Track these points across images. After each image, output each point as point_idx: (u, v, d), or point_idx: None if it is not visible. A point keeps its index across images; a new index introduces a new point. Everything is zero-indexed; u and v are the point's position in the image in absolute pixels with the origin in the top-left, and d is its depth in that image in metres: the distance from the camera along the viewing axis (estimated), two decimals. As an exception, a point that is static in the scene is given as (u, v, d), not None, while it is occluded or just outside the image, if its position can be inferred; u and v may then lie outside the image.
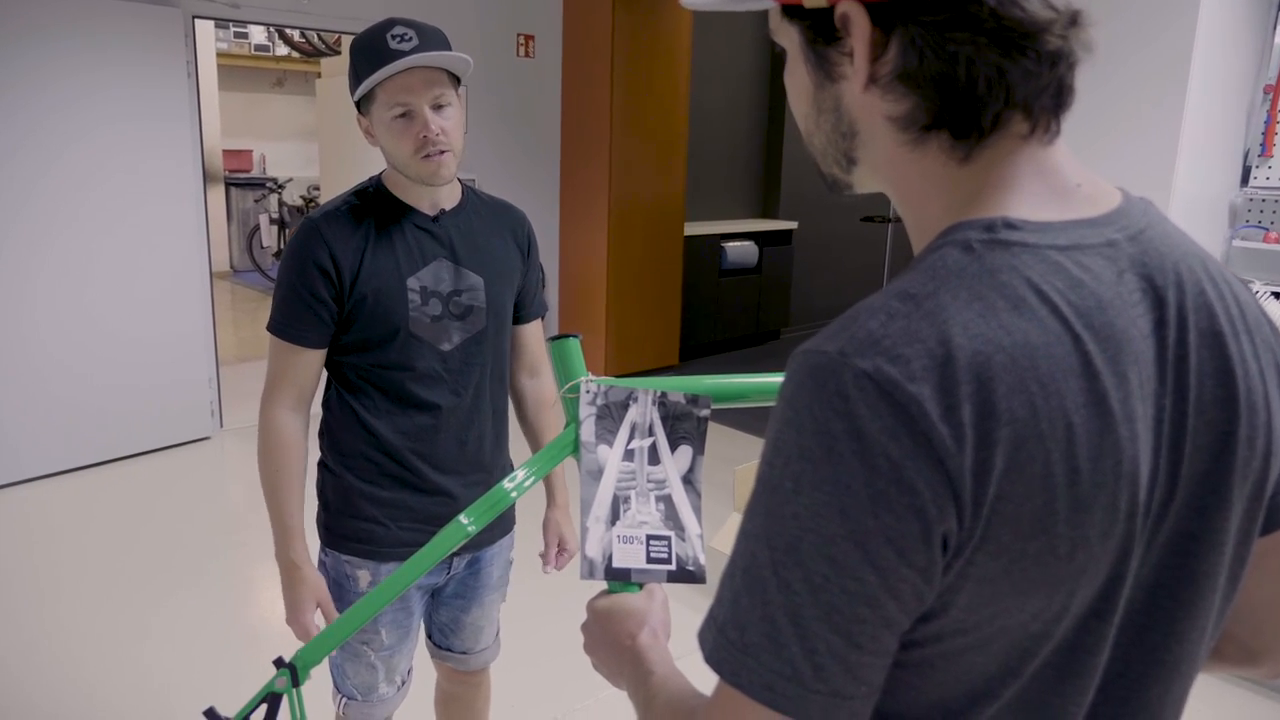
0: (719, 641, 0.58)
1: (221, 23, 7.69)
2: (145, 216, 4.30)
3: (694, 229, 6.40)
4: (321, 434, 1.69)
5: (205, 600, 3.15)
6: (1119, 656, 0.64)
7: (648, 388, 0.98)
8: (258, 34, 9.39)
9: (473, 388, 1.65)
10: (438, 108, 1.51)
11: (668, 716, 0.71)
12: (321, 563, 1.68)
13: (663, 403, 0.97)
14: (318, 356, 1.59)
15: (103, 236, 4.18)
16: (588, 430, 0.97)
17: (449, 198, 1.64)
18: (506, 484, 1.05)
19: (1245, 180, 3.15)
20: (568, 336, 1.03)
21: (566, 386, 1.00)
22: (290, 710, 1.17)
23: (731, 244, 6.65)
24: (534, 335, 1.83)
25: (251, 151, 9.90)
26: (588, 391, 0.98)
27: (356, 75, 1.52)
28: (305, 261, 1.53)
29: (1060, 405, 0.54)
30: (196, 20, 4.43)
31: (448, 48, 1.52)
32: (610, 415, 0.97)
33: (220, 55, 8.97)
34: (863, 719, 0.57)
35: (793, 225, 7.18)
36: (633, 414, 0.97)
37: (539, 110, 5.82)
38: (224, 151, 9.23)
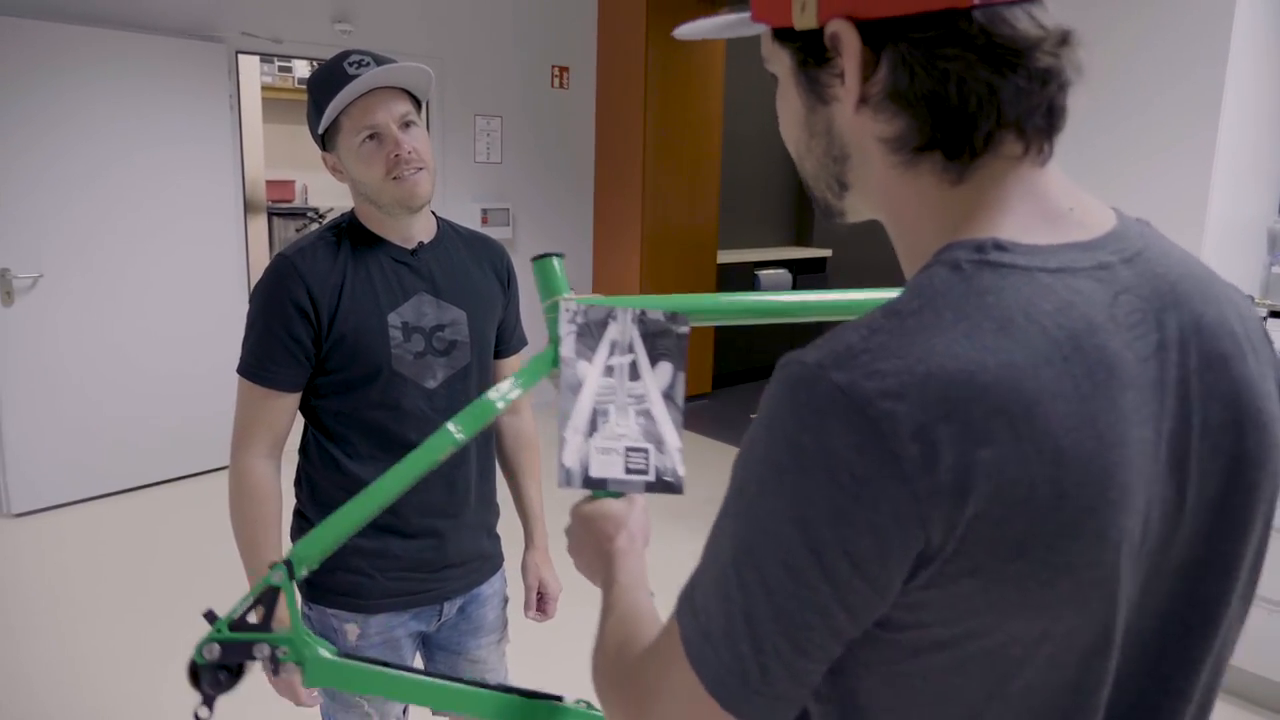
0: (690, 613, 0.60)
1: (266, 58, 7.89)
2: (188, 245, 4.41)
3: (727, 257, 6.42)
4: (298, 482, 1.60)
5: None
6: (1132, 689, 0.62)
7: (626, 305, 0.99)
8: (301, 68, 9.62)
9: None
10: (405, 126, 1.46)
11: (618, 632, 0.72)
12: (305, 617, 1.59)
13: (642, 320, 0.98)
14: (293, 401, 1.50)
15: (150, 268, 4.30)
16: (568, 347, 0.97)
17: (425, 230, 1.57)
18: (491, 394, 1.06)
19: (1283, 207, 3.11)
20: (549, 255, 1.04)
21: (547, 304, 1.00)
22: (289, 605, 1.15)
23: (765, 272, 6.65)
24: (514, 370, 1.72)
25: (294, 182, 10.10)
26: (567, 310, 0.98)
27: (317, 108, 1.46)
28: (281, 300, 1.45)
29: (1046, 428, 0.53)
30: (240, 55, 4.56)
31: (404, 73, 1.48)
32: (590, 333, 0.98)
33: (265, 89, 9.18)
34: (793, 716, 0.59)
35: (827, 253, 7.18)
36: (612, 331, 0.98)
37: (573, 140, 5.89)
38: (267, 182, 9.42)
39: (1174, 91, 2.80)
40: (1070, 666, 0.58)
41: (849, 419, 0.52)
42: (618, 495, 0.93)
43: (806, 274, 6.96)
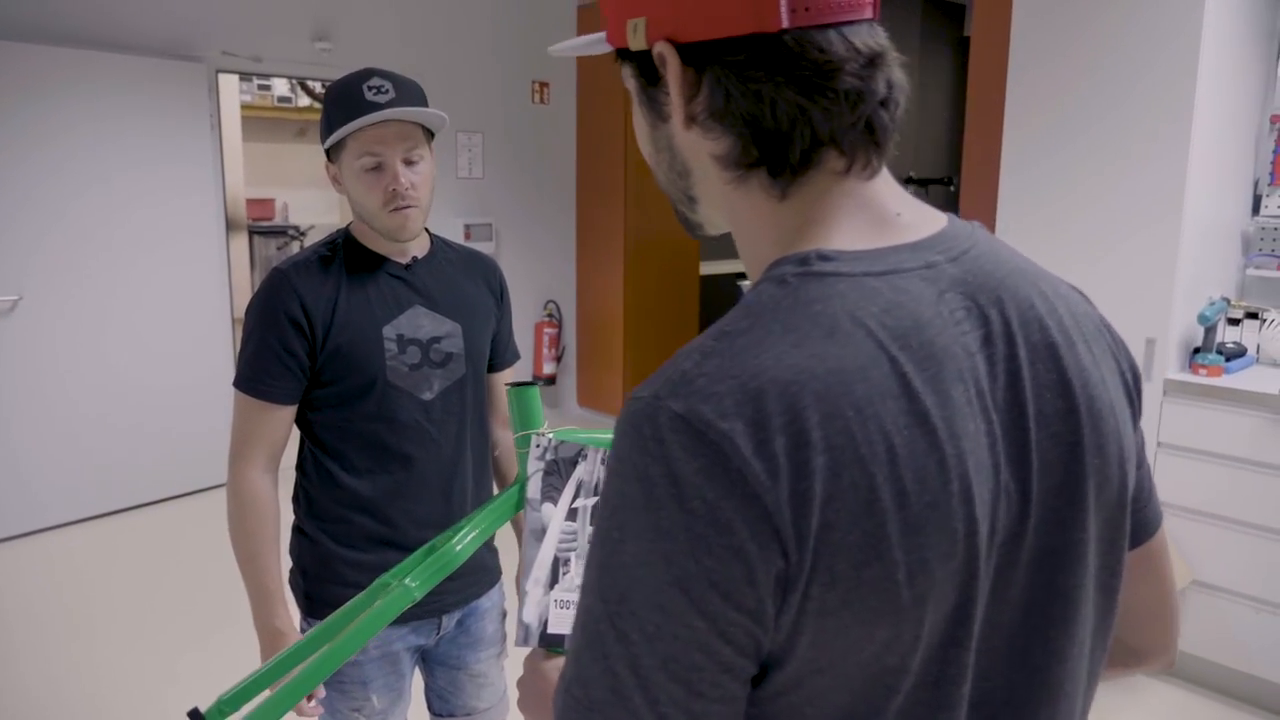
0: (566, 701, 0.56)
1: (245, 76, 7.89)
2: (170, 264, 4.39)
3: (709, 268, 6.44)
4: (296, 498, 1.62)
5: (231, 645, 3.16)
6: (1002, 684, 0.62)
7: (599, 446, 0.94)
8: (280, 86, 9.60)
9: (454, 437, 1.60)
10: (409, 162, 1.49)
11: None
12: (303, 630, 1.61)
13: None
14: (289, 413, 1.53)
15: (131, 288, 4.28)
16: (534, 487, 0.93)
17: (419, 246, 1.61)
18: (456, 545, 1.04)
19: (1256, 209, 3.15)
20: (527, 384, 1.01)
21: (519, 437, 0.98)
22: None
23: (747, 282, 6.66)
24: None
25: (274, 200, 10.08)
26: (538, 445, 0.94)
27: (329, 123, 1.49)
28: (275, 313, 1.48)
29: (880, 427, 0.53)
30: (220, 74, 4.56)
31: (424, 103, 1.50)
32: (558, 472, 0.94)
33: (244, 107, 9.17)
34: None
35: (808, 262, 7.21)
36: (580, 472, 0.94)
37: (555, 154, 5.90)
38: (248, 200, 9.39)
39: (1145, 93, 2.83)
40: (932, 661, 0.58)
41: (691, 445, 0.52)
42: None
43: (789, 284, 6.98)
